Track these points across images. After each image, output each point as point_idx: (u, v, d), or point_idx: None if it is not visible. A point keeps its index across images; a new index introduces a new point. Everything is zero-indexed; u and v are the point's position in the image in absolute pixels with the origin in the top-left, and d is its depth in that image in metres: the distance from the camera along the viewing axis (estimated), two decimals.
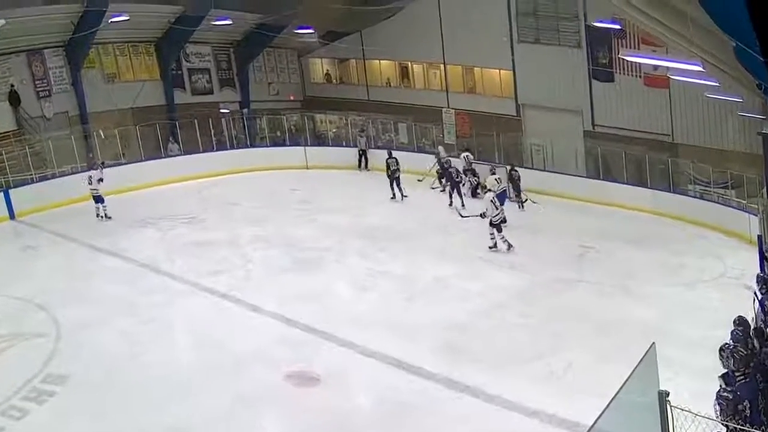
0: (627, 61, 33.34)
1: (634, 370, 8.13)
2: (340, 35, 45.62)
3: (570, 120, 37.00)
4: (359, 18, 41.63)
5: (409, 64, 45.50)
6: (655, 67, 32.16)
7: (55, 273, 23.36)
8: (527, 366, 16.41)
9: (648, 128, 34.08)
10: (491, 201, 24.50)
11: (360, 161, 38.33)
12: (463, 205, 29.20)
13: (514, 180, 31.87)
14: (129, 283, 22.17)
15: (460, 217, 26.02)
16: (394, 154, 33.17)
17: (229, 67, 46.26)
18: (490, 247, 24.37)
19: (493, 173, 30.55)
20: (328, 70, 49.93)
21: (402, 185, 31.86)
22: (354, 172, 37.41)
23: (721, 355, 10.44)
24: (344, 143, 41.03)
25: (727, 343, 10.73)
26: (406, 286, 21.56)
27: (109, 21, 36.22)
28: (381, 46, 43.60)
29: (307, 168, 37.42)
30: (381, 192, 32.41)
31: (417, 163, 34.54)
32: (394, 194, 31.94)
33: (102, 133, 36.65)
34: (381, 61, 46.48)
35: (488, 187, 28.20)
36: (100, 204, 29.49)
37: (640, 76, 33.95)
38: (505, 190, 30.28)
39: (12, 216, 30.47)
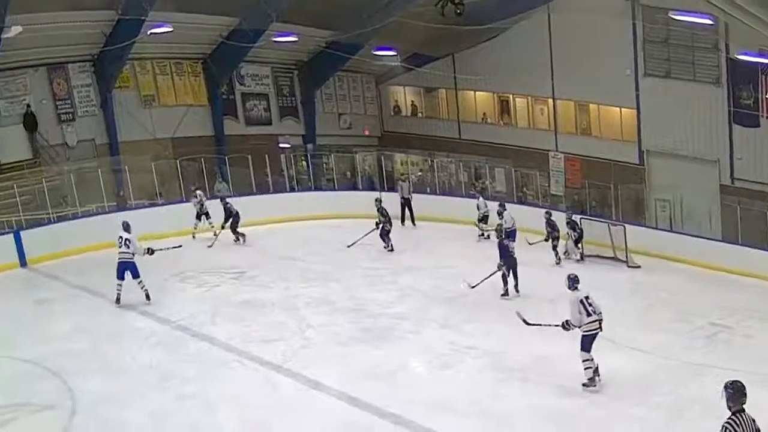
0: None
1: None
2: (428, 59, 45.77)
3: (704, 171, 36.93)
4: (452, 39, 41.70)
5: (511, 98, 45.76)
6: None
7: (73, 334, 23.22)
8: None
9: None
10: (580, 302, 19.11)
11: (403, 214, 37.77)
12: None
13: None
14: (163, 349, 22.00)
15: (525, 324, 21.07)
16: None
17: (292, 93, 46.59)
18: (586, 385, 19.56)
19: (503, 208, 31.94)
20: (412, 101, 49.95)
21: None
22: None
23: None
24: (428, 190, 40.82)
25: None
26: (498, 365, 20.97)
27: (149, 33, 36.62)
28: (477, 75, 43.93)
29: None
30: (473, 250, 32.61)
31: (518, 218, 33.77)
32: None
33: None
34: (476, 93, 46.91)
35: (501, 227, 28.70)
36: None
37: None
38: (515, 230, 30.89)
39: (23, 263, 30.84)
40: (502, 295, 26.61)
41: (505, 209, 32.74)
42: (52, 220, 33.47)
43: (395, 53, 44.93)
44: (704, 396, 17.38)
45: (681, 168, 37.59)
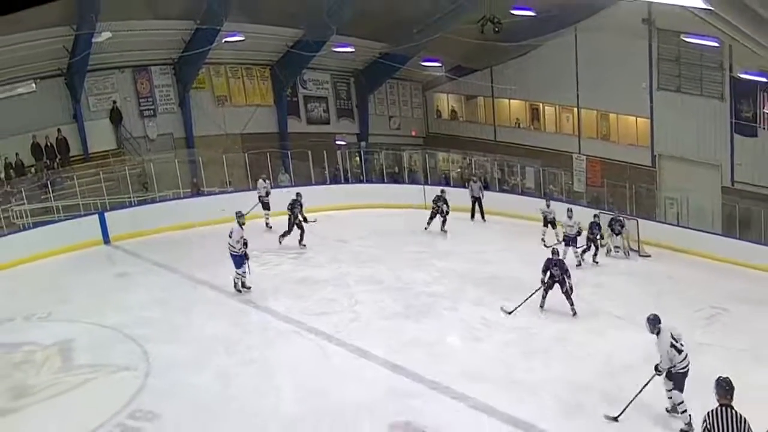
0: None
1: None
2: (469, 71, 45.71)
3: (708, 174, 37.01)
4: (490, 54, 41.60)
5: (541, 106, 45.62)
6: None
7: (149, 304, 23.40)
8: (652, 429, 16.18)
9: None
10: (671, 345, 15.94)
11: (473, 210, 36.82)
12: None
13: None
14: (229, 320, 22.08)
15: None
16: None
17: (349, 96, 46.69)
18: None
19: (570, 211, 30.36)
20: (453, 107, 49.94)
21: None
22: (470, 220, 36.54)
23: None
24: (466, 185, 40.70)
25: None
26: (524, 340, 21.03)
27: (223, 41, 36.84)
28: (512, 85, 44.08)
29: (426, 208, 36.48)
30: (505, 238, 32.74)
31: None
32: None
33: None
34: (511, 101, 46.79)
35: (565, 230, 29.19)
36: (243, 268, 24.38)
37: None
38: (579, 232, 29.89)
39: (107, 240, 31.05)
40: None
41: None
42: (133, 203, 33.60)
43: (440, 64, 44.85)
44: (703, 370, 16.89)
45: (688, 171, 37.79)
